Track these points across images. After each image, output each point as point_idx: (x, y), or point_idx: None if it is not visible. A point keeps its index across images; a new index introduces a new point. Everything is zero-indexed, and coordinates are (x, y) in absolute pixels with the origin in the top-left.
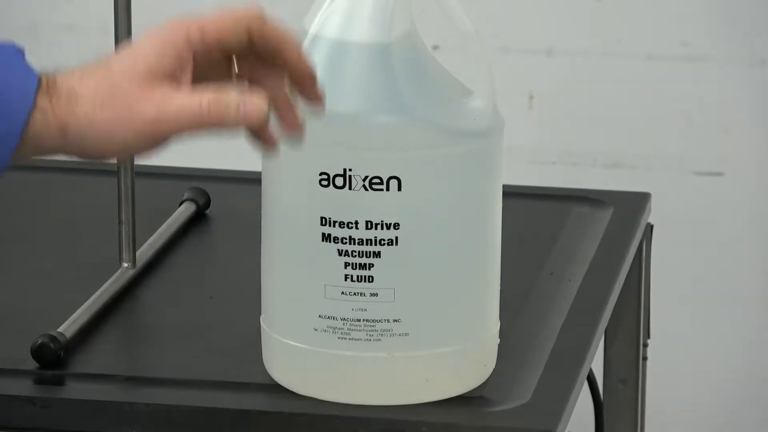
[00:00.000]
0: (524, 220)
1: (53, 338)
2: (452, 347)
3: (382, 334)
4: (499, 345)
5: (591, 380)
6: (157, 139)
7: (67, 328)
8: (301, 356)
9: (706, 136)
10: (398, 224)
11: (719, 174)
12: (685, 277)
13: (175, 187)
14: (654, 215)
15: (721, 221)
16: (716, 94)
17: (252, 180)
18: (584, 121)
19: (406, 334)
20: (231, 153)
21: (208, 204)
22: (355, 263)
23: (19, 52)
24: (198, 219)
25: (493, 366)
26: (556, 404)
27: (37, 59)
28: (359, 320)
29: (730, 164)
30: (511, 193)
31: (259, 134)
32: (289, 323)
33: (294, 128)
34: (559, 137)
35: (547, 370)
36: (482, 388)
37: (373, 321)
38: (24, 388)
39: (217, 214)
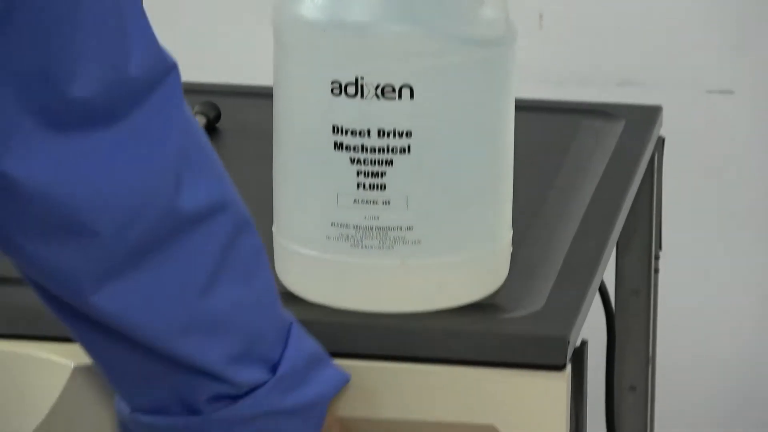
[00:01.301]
0: (536, 133)
1: None
2: (465, 255)
3: (394, 242)
4: (511, 254)
5: (603, 292)
6: None
7: None
8: (313, 264)
9: (717, 54)
10: (410, 132)
11: (730, 92)
12: (694, 193)
13: (186, 101)
14: (664, 133)
15: (730, 139)
16: (728, 12)
17: (262, 94)
18: (594, 39)
19: (419, 242)
20: (242, 67)
21: (218, 117)
22: (368, 171)
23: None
24: (208, 132)
25: (506, 274)
26: (569, 312)
27: None
28: (372, 228)
29: (741, 82)
30: (522, 107)
31: None
32: (302, 232)
33: None
34: (569, 56)
35: (560, 280)
36: (495, 296)
37: (385, 229)
38: None
39: (227, 128)
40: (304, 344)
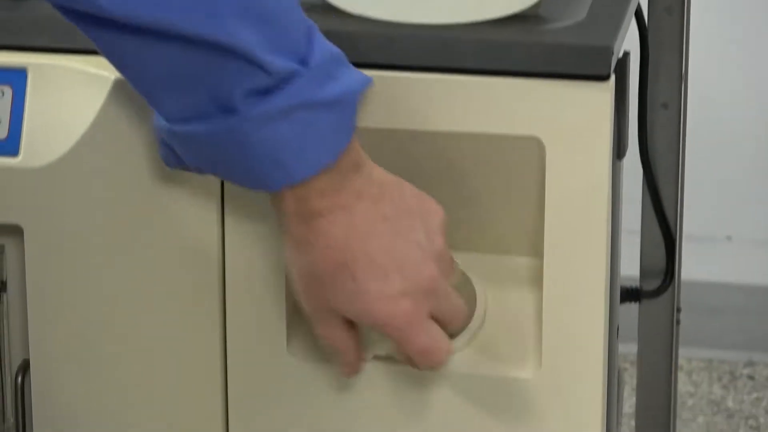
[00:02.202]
0: None
1: None
2: None
3: None
4: None
5: (637, 14)
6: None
7: None
8: None
9: None
10: None
11: None
12: None
13: None
14: None
15: None
16: None
17: None
18: None
19: None
20: None
21: None
22: None
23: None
24: None
25: None
26: (612, 22)
27: None
28: None
29: None
30: None
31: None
32: None
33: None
34: None
35: None
36: (537, 8)
37: None
38: None
39: None
40: (327, 45)
